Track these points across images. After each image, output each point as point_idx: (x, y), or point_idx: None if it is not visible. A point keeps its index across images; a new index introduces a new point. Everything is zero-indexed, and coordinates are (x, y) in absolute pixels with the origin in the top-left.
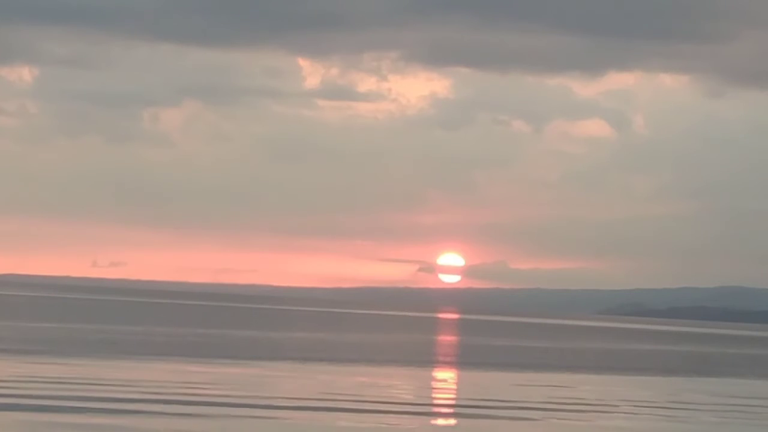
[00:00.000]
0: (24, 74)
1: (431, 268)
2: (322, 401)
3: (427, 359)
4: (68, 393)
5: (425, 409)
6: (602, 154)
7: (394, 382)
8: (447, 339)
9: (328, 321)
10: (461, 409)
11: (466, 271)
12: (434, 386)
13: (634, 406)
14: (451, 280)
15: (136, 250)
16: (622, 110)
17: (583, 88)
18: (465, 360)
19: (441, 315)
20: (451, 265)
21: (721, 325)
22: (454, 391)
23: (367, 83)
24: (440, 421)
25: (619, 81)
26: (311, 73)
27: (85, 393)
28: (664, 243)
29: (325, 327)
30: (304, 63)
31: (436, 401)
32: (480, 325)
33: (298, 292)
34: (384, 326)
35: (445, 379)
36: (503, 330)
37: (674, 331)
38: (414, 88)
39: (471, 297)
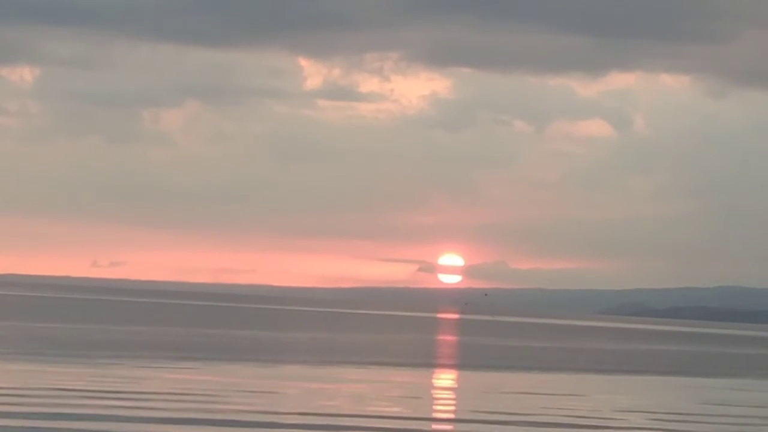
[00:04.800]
0: (25, 74)
1: (431, 268)
2: (324, 416)
3: (427, 361)
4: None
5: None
6: (603, 154)
7: (396, 386)
8: (447, 339)
9: (329, 321)
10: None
11: (466, 271)
12: (435, 391)
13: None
14: (451, 280)
15: (136, 250)
16: (623, 110)
17: (584, 88)
18: (466, 361)
19: (441, 315)
20: (451, 265)
21: (721, 325)
22: (457, 399)
23: (368, 83)
24: None
25: (621, 81)
26: (312, 73)
27: (95, 403)
28: (664, 243)
29: (325, 327)
30: (305, 63)
31: (437, 411)
32: (480, 325)
33: (298, 292)
34: (384, 326)
35: (447, 383)
36: (503, 330)
37: (674, 331)
38: (415, 89)
39: (471, 297)
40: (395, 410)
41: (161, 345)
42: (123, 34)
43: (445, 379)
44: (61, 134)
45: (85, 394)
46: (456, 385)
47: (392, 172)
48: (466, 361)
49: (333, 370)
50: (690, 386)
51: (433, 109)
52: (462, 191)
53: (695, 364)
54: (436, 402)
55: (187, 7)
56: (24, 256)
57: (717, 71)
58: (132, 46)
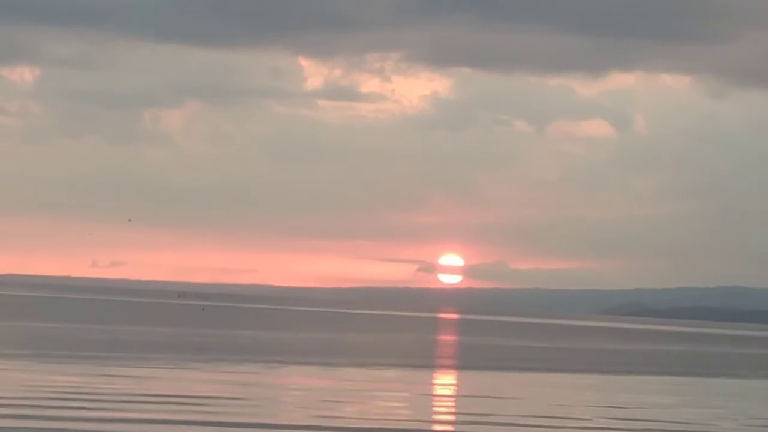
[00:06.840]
0: (26, 75)
1: (431, 268)
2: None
3: (428, 361)
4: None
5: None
6: (603, 154)
7: (397, 389)
8: (447, 339)
9: (328, 321)
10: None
11: (466, 271)
12: (435, 395)
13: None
14: (451, 280)
15: (136, 250)
16: (623, 110)
17: (584, 88)
18: (466, 362)
19: (441, 315)
20: (451, 265)
21: (721, 325)
22: (457, 402)
23: (368, 84)
24: None
25: (621, 81)
26: (313, 73)
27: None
28: (664, 243)
29: (326, 327)
30: (306, 63)
31: (437, 415)
32: (480, 325)
33: (298, 292)
34: (384, 326)
35: (447, 385)
36: (503, 330)
37: (674, 331)
38: (415, 89)
39: (471, 297)
40: (390, 412)
41: (161, 345)
42: (123, 34)
43: (445, 382)
44: (61, 134)
45: (87, 398)
46: (456, 391)
47: (392, 172)
48: (461, 362)
49: (332, 371)
50: (659, 387)
51: (433, 109)
52: (462, 191)
53: (693, 364)
54: (434, 413)
55: (188, 7)
56: (24, 256)
57: (717, 71)
58: (132, 46)
